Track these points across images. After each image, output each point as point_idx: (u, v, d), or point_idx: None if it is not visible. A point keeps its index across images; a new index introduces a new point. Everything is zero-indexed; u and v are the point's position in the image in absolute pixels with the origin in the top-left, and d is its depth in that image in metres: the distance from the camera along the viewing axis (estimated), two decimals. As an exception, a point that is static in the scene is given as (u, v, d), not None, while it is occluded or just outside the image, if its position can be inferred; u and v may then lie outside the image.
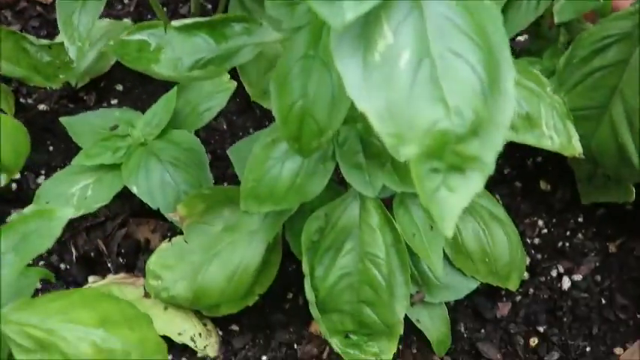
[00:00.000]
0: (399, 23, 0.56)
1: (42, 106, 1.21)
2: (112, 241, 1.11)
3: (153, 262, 0.93)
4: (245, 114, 1.24)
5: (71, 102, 1.23)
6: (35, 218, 0.68)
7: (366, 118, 0.73)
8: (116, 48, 0.81)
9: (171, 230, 1.10)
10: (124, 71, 1.26)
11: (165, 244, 0.94)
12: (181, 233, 1.05)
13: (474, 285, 0.94)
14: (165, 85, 1.21)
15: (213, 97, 1.01)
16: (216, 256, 0.91)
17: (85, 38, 0.98)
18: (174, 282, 0.92)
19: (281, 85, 0.72)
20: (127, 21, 1.24)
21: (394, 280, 0.84)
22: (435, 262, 0.85)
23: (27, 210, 1.00)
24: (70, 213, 0.67)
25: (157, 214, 1.11)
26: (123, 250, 1.10)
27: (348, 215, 0.84)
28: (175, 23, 0.80)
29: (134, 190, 0.95)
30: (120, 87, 1.25)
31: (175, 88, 1.02)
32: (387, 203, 0.85)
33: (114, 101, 1.23)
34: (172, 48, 0.79)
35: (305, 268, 0.84)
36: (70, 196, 0.99)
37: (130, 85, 1.25)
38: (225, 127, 1.23)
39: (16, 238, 0.68)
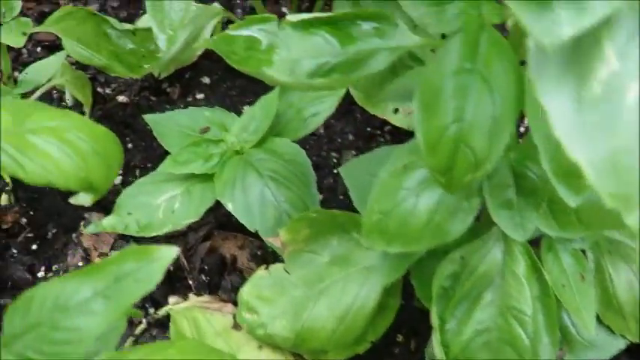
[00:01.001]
0: (626, 44, 0.42)
1: (121, 98, 1.09)
2: (195, 256, 0.98)
3: (247, 292, 0.81)
4: (344, 117, 1.10)
5: (153, 94, 1.10)
6: (131, 258, 0.55)
7: (542, 154, 0.59)
8: (221, 44, 0.68)
9: (261, 249, 0.97)
10: (211, 62, 1.13)
11: (261, 272, 0.82)
12: (274, 255, 0.93)
13: (622, 344, 0.79)
14: (257, 81, 1.07)
15: (321, 100, 0.87)
16: (323, 293, 0.78)
17: (178, 25, 0.85)
18: (273, 318, 0.79)
19: (429, 106, 0.58)
20: (216, 5, 1.10)
21: (539, 340, 0.70)
22: (586, 318, 0.71)
23: (106, 220, 0.88)
24: (175, 252, 0.54)
25: (245, 229, 0.98)
26: (206, 267, 0.97)
27: (489, 260, 0.70)
28: (291, 18, 0.67)
29: (229, 207, 0.82)
30: (206, 79, 1.12)
31: (277, 88, 0.88)
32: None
33: (199, 95, 1.11)
34: (287, 48, 0.66)
35: (434, 319, 0.70)
36: (155, 208, 0.86)
37: (217, 78, 1.12)
38: (322, 131, 1.09)
39: (107, 281, 0.55)
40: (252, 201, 0.82)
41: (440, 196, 0.66)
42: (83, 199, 0.61)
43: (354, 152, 1.07)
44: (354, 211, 0.80)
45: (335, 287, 0.79)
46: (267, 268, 0.83)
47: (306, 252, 0.81)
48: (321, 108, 0.88)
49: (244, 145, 0.87)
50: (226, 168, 0.86)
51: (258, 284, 0.82)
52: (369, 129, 1.09)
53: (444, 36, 0.64)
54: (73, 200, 0.62)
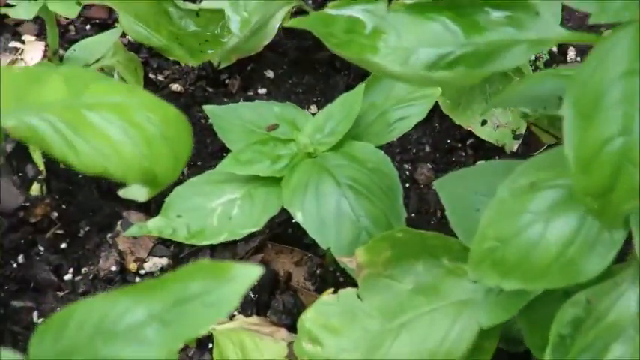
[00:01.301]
0: None
1: (175, 86, 0.97)
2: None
3: (310, 319, 0.68)
4: (421, 126, 0.97)
5: (210, 85, 0.99)
6: (200, 275, 0.43)
7: None
8: (318, 25, 0.57)
9: (321, 267, 0.85)
10: (277, 55, 1.01)
11: (327, 296, 0.69)
12: (334, 276, 0.80)
13: None
14: (329, 77, 0.96)
15: (411, 103, 0.75)
16: (405, 327, 0.66)
17: (254, 8, 0.74)
18: (341, 352, 0.67)
19: (585, 114, 0.47)
20: (288, -12, 0.98)
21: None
22: None
23: (152, 222, 0.76)
24: (257, 273, 0.43)
25: (305, 242, 0.86)
26: (256, 283, 0.84)
27: (621, 306, 0.58)
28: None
29: (298, 217, 0.70)
30: (270, 73, 1.00)
31: (362, 85, 0.76)
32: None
33: (261, 90, 0.99)
34: (398, 34, 0.55)
35: (549, 372, 0.57)
36: (209, 212, 0.74)
37: (282, 73, 1.01)
38: (395, 139, 0.97)
39: (167, 303, 0.43)
40: (327, 213, 0.70)
41: (577, 224, 0.54)
42: (136, 193, 0.49)
43: (429, 166, 0.95)
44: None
45: (419, 322, 0.66)
46: (335, 291, 0.70)
47: (384, 277, 0.69)
48: (411, 112, 0.76)
49: (318, 148, 0.75)
50: (296, 172, 0.74)
51: (324, 311, 0.70)
52: (448, 141, 0.97)
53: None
54: (122, 193, 0.50)
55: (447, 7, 0.56)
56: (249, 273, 0.44)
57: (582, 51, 1.08)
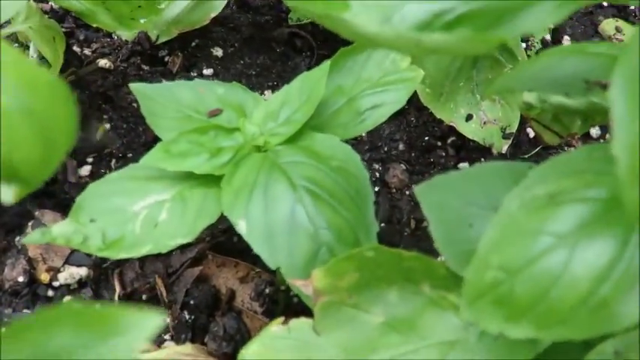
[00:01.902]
0: None
1: (103, 62, 0.82)
2: (178, 283, 0.72)
3: (254, 354, 0.53)
4: (394, 119, 0.83)
5: (146, 63, 0.83)
6: (69, 326, 0.27)
7: None
8: None
9: (272, 285, 0.71)
10: (227, 30, 0.86)
11: (276, 327, 0.55)
12: (287, 296, 0.70)
13: None
14: (288, 59, 0.81)
15: (386, 88, 0.60)
16: (373, 373, 0.50)
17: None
18: (290, 402, 0.52)
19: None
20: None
21: None
22: None
23: (58, 228, 0.60)
24: (156, 323, 0.27)
25: (252, 254, 0.71)
26: (192, 301, 0.70)
27: (660, 361, 0.43)
28: None
29: (241, 227, 0.55)
30: (218, 52, 0.85)
31: (326, 63, 0.61)
32: None
33: (207, 71, 0.83)
34: None
35: None
36: (130, 216, 0.59)
37: (232, 52, 0.85)
38: (363, 133, 0.82)
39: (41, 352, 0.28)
40: (277, 223, 0.55)
41: (614, 252, 0.39)
42: (2, 192, 0.33)
43: (403, 166, 0.81)
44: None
45: (393, 367, 0.51)
46: (285, 322, 0.56)
47: (348, 306, 0.54)
48: (385, 99, 0.61)
49: (270, 140, 0.60)
50: (241, 169, 0.58)
51: (272, 345, 0.56)
52: (426, 137, 0.83)
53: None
54: (-22, 193, 0.34)
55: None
56: (145, 323, 0.28)
57: (578, 40, 0.95)
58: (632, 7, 1.00)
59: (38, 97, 0.32)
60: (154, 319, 0.28)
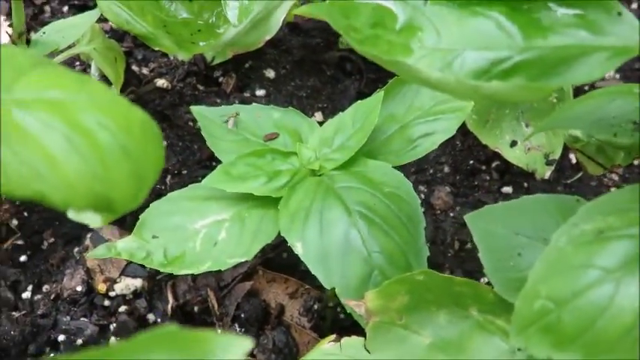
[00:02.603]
0: None
1: (161, 82, 0.85)
2: (229, 297, 0.75)
3: (306, 371, 0.56)
4: (441, 143, 0.85)
5: (202, 83, 0.86)
6: (164, 349, 0.30)
7: None
8: (336, 14, 0.45)
9: (320, 301, 0.73)
10: (279, 53, 0.89)
11: (328, 344, 0.58)
12: (335, 314, 0.71)
13: None
14: (338, 81, 0.83)
15: (438, 117, 0.62)
16: (422, 392, 0.53)
17: (257, -8, 0.62)
18: (341, 416, 0.54)
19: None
20: (297, -21, 0.86)
21: None
22: None
23: (122, 243, 0.63)
24: (247, 347, 0.30)
25: (302, 270, 0.74)
26: (242, 315, 0.73)
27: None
28: None
29: (297, 248, 0.58)
30: (271, 73, 0.88)
31: (380, 92, 0.63)
32: None
33: (259, 92, 0.87)
34: (437, 31, 0.44)
35: None
36: (191, 234, 0.62)
37: (285, 73, 0.88)
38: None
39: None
40: (332, 245, 0.58)
41: (659, 287, 0.41)
42: (90, 216, 0.37)
43: (448, 189, 0.83)
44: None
45: (440, 387, 0.54)
46: (338, 339, 0.58)
47: (398, 327, 0.57)
48: (436, 127, 0.63)
49: (325, 165, 0.62)
50: (297, 193, 0.61)
51: (324, 361, 0.57)
52: (471, 161, 0.85)
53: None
54: (72, 215, 0.37)
55: (500, 1, 0.45)
56: (234, 347, 0.31)
57: (622, 67, 0.96)
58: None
59: (133, 137, 0.35)
60: (244, 343, 0.31)
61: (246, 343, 0.31)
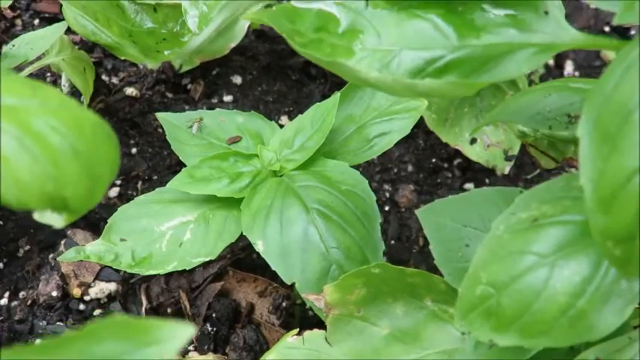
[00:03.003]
0: None
1: (130, 90, 0.87)
2: (200, 297, 0.76)
3: (270, 363, 0.58)
4: (404, 143, 0.88)
5: (170, 90, 0.88)
6: (112, 337, 0.33)
7: None
8: (281, 20, 0.48)
9: (288, 299, 0.75)
10: (245, 59, 0.91)
11: (291, 338, 0.59)
12: (303, 309, 0.70)
13: None
14: (304, 86, 0.86)
15: (393, 117, 0.65)
16: (377, 380, 0.55)
17: (216, 1, 0.64)
18: (304, 406, 0.56)
19: (608, 137, 0.37)
20: (260, -10, 0.88)
21: None
22: None
23: (91, 247, 0.65)
24: (188, 334, 0.33)
25: (271, 270, 0.76)
26: (214, 314, 0.75)
27: (637, 367, 0.47)
28: None
29: (259, 247, 0.60)
30: (238, 79, 0.90)
31: (337, 94, 0.66)
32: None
33: (227, 97, 0.89)
34: (377, 33, 0.46)
35: None
36: (158, 236, 0.64)
37: (251, 79, 0.90)
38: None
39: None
40: (292, 242, 0.60)
41: (589, 270, 0.44)
42: (52, 217, 0.39)
43: (412, 187, 0.85)
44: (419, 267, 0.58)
45: (396, 374, 0.56)
46: (299, 333, 0.61)
47: (357, 319, 0.59)
48: (392, 127, 0.66)
49: (285, 165, 0.65)
50: (259, 193, 0.63)
51: (288, 354, 0.60)
52: (433, 160, 0.87)
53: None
54: (37, 217, 0.39)
55: (437, 3, 0.47)
56: (177, 334, 0.34)
57: (581, 64, 0.99)
58: (633, 32, 1.04)
59: (84, 138, 0.37)
60: (186, 330, 0.33)
61: (189, 330, 0.33)
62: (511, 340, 0.46)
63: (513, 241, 0.47)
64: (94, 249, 0.65)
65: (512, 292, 0.46)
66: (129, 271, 0.64)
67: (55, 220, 0.40)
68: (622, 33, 1.03)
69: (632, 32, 1.03)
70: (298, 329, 0.62)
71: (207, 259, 0.63)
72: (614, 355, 0.49)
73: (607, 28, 1.03)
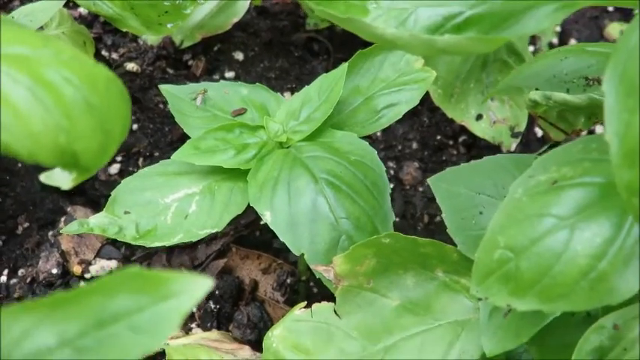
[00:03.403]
0: None
1: (131, 66, 0.86)
2: (204, 274, 0.74)
3: (278, 338, 0.58)
4: (408, 119, 0.87)
5: (171, 66, 0.87)
6: (128, 288, 0.32)
7: None
8: None
9: (292, 276, 0.74)
10: (247, 35, 0.90)
11: (299, 311, 0.59)
12: (307, 287, 0.70)
13: None
14: (306, 62, 0.85)
15: (401, 88, 0.64)
16: (390, 351, 0.55)
17: (220, -29, 0.63)
18: (314, 379, 0.55)
19: (632, 90, 0.36)
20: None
21: None
22: None
23: (95, 219, 0.64)
24: (207, 287, 0.31)
25: (274, 247, 0.76)
26: (217, 292, 0.74)
27: (656, 334, 0.47)
28: None
29: (266, 217, 0.59)
30: (239, 55, 0.89)
31: (344, 65, 0.65)
32: None
33: (229, 74, 0.87)
34: None
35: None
36: (162, 208, 0.63)
37: (253, 55, 0.89)
38: (378, 133, 0.86)
39: (84, 324, 0.32)
40: (300, 213, 0.59)
41: (611, 231, 0.43)
42: (60, 178, 0.37)
43: (416, 164, 0.85)
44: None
45: (408, 345, 0.56)
46: (307, 306, 0.59)
47: (367, 290, 0.58)
48: (400, 98, 0.65)
49: (292, 137, 0.64)
50: (266, 164, 0.62)
51: (295, 328, 0.59)
52: (438, 137, 0.86)
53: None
54: (44, 178, 0.38)
55: (454, -38, 0.46)
56: (194, 287, 0.33)
57: (585, 42, 0.98)
58: (638, 11, 1.03)
59: (97, 92, 0.36)
60: (203, 283, 0.32)
61: (207, 282, 0.32)
62: (530, 305, 0.45)
63: (532, 204, 0.46)
64: (97, 221, 0.64)
65: (532, 256, 0.45)
66: (133, 243, 0.63)
67: (64, 180, 0.39)
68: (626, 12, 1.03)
69: (637, 11, 1.02)
70: (305, 302, 0.61)
71: (213, 231, 0.62)
72: (631, 322, 0.48)
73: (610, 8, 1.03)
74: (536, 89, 0.53)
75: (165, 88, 0.71)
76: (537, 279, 0.45)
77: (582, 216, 0.44)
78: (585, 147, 0.46)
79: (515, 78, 0.52)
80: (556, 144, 0.85)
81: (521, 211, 0.46)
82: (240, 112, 0.69)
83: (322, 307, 0.60)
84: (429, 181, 0.58)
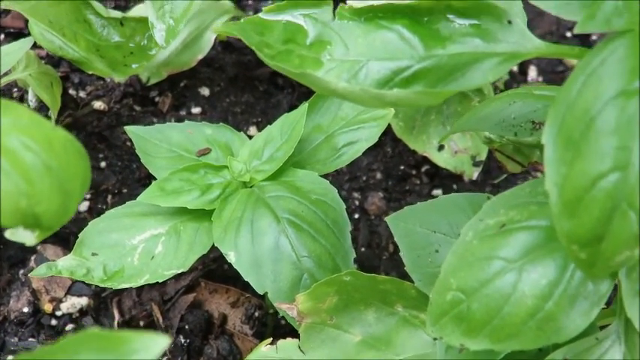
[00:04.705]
0: None
1: (98, 104, 0.87)
2: (173, 310, 0.76)
3: (244, 374, 0.58)
4: (372, 151, 0.89)
5: (138, 103, 0.88)
6: (89, 349, 0.33)
7: None
8: (250, 32, 0.48)
9: (260, 309, 0.76)
10: (213, 71, 0.92)
11: (265, 348, 0.60)
12: (275, 318, 0.71)
13: None
14: (271, 96, 0.86)
15: (361, 126, 0.66)
16: (353, 387, 0.56)
17: (181, 15, 0.65)
18: (278, 416, 0.57)
19: (570, 143, 0.38)
20: (226, 1, 0.89)
21: None
22: None
23: (63, 262, 0.65)
24: (163, 345, 0.33)
25: (242, 281, 0.77)
26: (187, 326, 0.75)
27: (605, 366, 0.49)
28: (353, 3, 0.48)
29: (230, 258, 0.60)
30: (205, 91, 0.91)
31: (305, 105, 0.67)
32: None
33: (195, 109, 0.89)
34: (344, 44, 0.47)
35: None
36: (129, 250, 0.64)
37: (218, 91, 0.91)
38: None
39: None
40: (263, 253, 0.60)
41: (556, 273, 0.45)
42: (24, 235, 0.39)
43: (381, 194, 0.86)
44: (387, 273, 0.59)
45: (370, 381, 0.57)
46: (273, 342, 0.61)
47: (330, 327, 0.60)
48: (360, 136, 0.67)
49: (255, 176, 0.65)
50: (229, 205, 0.64)
51: (261, 365, 0.60)
52: (402, 167, 0.88)
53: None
54: (9, 234, 0.40)
55: (403, 14, 0.48)
56: (153, 344, 0.34)
57: (545, 70, 1.01)
58: (594, 37, 1.06)
59: (55, 154, 0.38)
60: (160, 341, 0.33)
61: (163, 340, 0.34)
62: (482, 344, 0.47)
63: (482, 247, 0.48)
64: (65, 264, 0.65)
65: (482, 297, 0.47)
66: (101, 285, 0.64)
67: (27, 237, 0.40)
68: (583, 39, 1.05)
69: (594, 37, 1.05)
70: (271, 339, 0.63)
71: (179, 271, 0.64)
72: (581, 355, 0.50)
73: (569, 34, 1.05)
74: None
75: (130, 130, 0.72)
76: (488, 320, 0.47)
77: (529, 258, 0.46)
78: (532, 190, 0.48)
79: (466, 122, 0.54)
80: (517, 173, 0.87)
81: (472, 253, 0.48)
82: (205, 152, 0.70)
83: (287, 344, 0.62)
84: (387, 220, 0.60)
